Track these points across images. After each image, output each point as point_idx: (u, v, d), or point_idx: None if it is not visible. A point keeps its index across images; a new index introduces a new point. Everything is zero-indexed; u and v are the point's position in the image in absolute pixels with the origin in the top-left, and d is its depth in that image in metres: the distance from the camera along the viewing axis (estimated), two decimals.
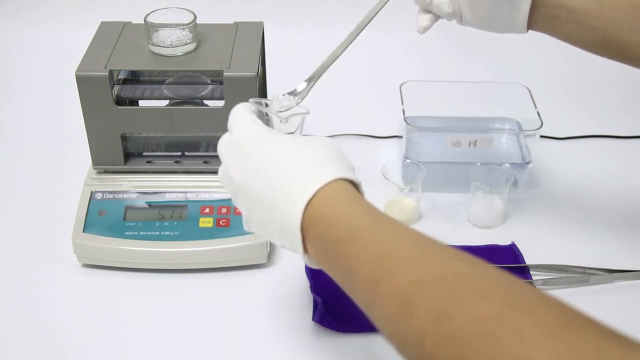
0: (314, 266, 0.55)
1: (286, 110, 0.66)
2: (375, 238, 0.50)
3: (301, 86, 0.69)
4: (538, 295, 0.43)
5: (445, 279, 0.45)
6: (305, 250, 0.54)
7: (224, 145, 0.62)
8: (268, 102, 0.67)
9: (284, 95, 0.68)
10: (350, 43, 0.72)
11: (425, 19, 0.79)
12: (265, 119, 0.65)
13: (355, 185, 0.56)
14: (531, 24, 0.76)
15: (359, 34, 0.73)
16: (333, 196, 0.53)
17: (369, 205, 0.54)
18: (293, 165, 0.56)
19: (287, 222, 0.54)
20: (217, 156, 0.86)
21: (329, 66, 0.71)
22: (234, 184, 0.59)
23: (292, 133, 0.67)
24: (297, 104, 0.66)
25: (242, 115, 0.61)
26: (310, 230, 0.53)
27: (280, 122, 0.65)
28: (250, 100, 0.65)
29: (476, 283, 0.44)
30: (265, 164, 0.57)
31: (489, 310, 0.41)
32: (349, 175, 0.55)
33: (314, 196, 0.53)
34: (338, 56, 0.71)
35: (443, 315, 0.42)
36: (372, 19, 0.74)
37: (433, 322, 0.43)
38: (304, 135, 0.67)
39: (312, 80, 0.69)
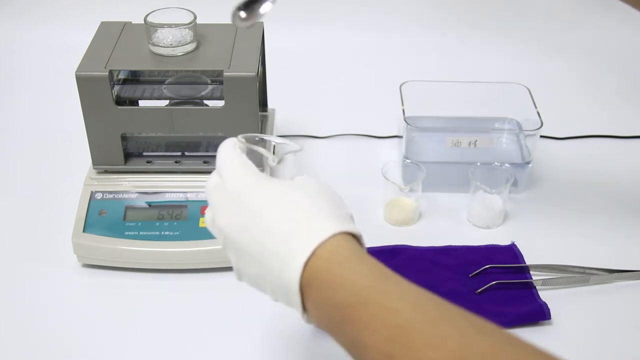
0: (315, 326, 0.51)
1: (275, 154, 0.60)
2: (386, 304, 0.45)
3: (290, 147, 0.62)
4: None
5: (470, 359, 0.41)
6: (305, 309, 0.50)
7: (212, 189, 0.56)
8: (259, 139, 0.61)
9: (275, 143, 0.62)
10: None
11: None
12: (255, 155, 0.60)
13: (355, 237, 0.51)
14: None
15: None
16: (333, 255, 0.48)
17: (374, 262, 0.49)
18: (286, 219, 0.51)
19: (282, 283, 0.49)
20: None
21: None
22: (222, 234, 0.54)
23: (284, 172, 0.61)
24: (277, 161, 0.61)
25: (230, 156, 0.56)
26: (310, 292, 0.48)
27: (272, 161, 0.60)
28: (240, 136, 0.60)
29: None
30: (255, 218, 0.52)
31: None
32: (349, 228, 0.50)
33: (311, 255, 0.48)
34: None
35: None
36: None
37: None
38: (295, 174, 0.60)
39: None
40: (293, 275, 0.48)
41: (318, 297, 0.48)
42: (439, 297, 0.46)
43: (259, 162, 0.59)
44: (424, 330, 0.43)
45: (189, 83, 0.88)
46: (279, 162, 0.60)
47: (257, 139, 0.61)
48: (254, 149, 0.59)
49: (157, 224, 0.83)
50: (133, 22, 0.89)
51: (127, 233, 0.82)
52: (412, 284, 0.47)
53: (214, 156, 0.86)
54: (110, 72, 0.80)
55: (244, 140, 0.59)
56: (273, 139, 0.62)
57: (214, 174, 0.58)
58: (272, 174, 0.60)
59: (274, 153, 0.61)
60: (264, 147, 0.61)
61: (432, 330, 0.43)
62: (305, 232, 0.49)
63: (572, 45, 1.32)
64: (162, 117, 0.83)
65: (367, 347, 0.45)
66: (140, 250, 0.81)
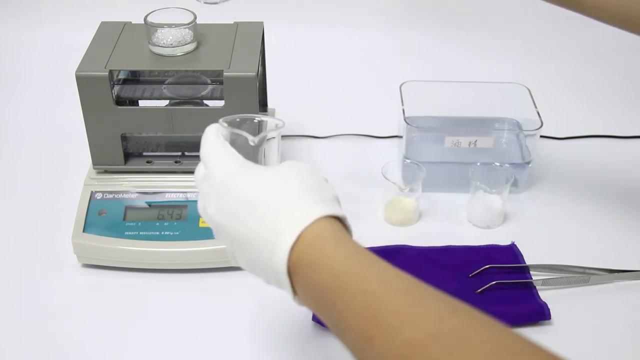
0: (307, 308, 0.53)
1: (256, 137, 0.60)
2: (364, 288, 0.46)
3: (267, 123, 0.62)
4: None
5: (442, 339, 0.42)
6: (295, 293, 0.52)
7: (200, 180, 0.58)
8: (240, 119, 0.61)
9: (255, 120, 0.62)
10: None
11: None
12: (242, 138, 0.60)
13: (340, 220, 0.52)
14: None
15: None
16: (316, 238, 0.49)
17: (355, 245, 0.50)
18: (271, 204, 0.52)
19: (271, 267, 0.51)
20: None
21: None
22: (213, 223, 0.56)
23: (270, 151, 0.62)
24: (258, 141, 0.60)
25: (213, 144, 0.57)
26: (297, 275, 0.50)
27: (252, 142, 0.59)
28: (221, 120, 0.60)
29: (475, 346, 0.42)
30: (242, 205, 0.53)
31: None
32: (334, 211, 0.51)
33: (297, 239, 0.49)
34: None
35: None
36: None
37: None
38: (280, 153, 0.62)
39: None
40: (281, 259, 0.50)
41: (304, 280, 0.50)
42: (416, 278, 0.47)
43: (247, 143, 0.60)
44: (399, 312, 0.45)
45: (189, 83, 0.88)
46: (261, 142, 0.60)
47: (238, 119, 0.61)
48: (236, 132, 0.59)
49: (157, 224, 0.83)
50: (133, 22, 0.89)
51: (127, 233, 0.82)
52: (390, 267, 0.48)
53: None
54: (110, 72, 0.80)
55: (225, 124, 0.59)
56: (256, 117, 0.62)
57: (200, 164, 0.59)
58: (257, 154, 0.60)
59: (259, 132, 0.61)
60: (250, 126, 0.62)
61: (407, 311, 0.45)
62: (291, 216, 0.51)
63: (572, 45, 1.32)
64: (162, 117, 0.83)
65: (348, 329, 0.47)
66: (140, 250, 0.81)
